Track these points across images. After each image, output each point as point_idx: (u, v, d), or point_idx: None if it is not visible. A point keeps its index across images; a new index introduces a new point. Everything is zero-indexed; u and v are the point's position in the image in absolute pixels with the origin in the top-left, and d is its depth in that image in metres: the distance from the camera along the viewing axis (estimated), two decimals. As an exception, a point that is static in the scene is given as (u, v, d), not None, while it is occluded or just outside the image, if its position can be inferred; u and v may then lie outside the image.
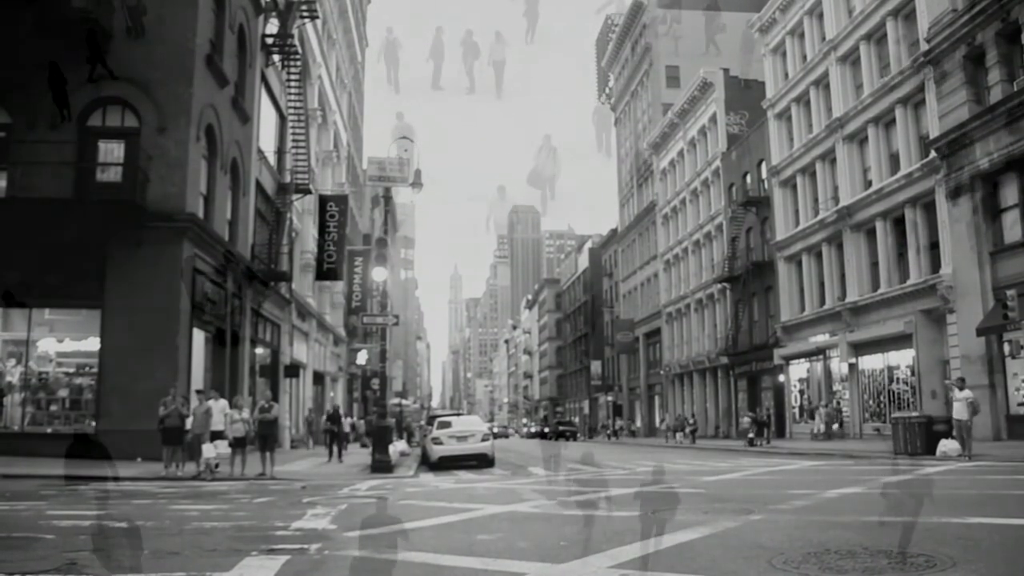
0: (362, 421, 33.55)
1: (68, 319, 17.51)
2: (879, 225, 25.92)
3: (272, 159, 25.54)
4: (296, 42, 25.54)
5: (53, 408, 16.98)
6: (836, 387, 29.11)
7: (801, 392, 32.21)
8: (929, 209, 23.37)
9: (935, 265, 23.03)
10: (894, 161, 25.32)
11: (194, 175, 17.70)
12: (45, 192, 16.05)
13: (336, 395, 39.37)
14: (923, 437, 17.46)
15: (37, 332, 17.13)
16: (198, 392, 15.67)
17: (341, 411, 23.99)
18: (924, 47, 22.82)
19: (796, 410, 32.41)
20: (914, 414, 19.79)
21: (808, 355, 31.08)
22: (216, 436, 14.22)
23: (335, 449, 20.63)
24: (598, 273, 69.28)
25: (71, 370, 17.16)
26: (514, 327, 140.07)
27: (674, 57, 50.05)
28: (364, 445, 27.52)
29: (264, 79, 24.23)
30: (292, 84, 25.48)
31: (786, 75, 32.66)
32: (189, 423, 14.33)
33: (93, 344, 16.83)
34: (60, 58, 15.78)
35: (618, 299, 61.23)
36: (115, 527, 7.53)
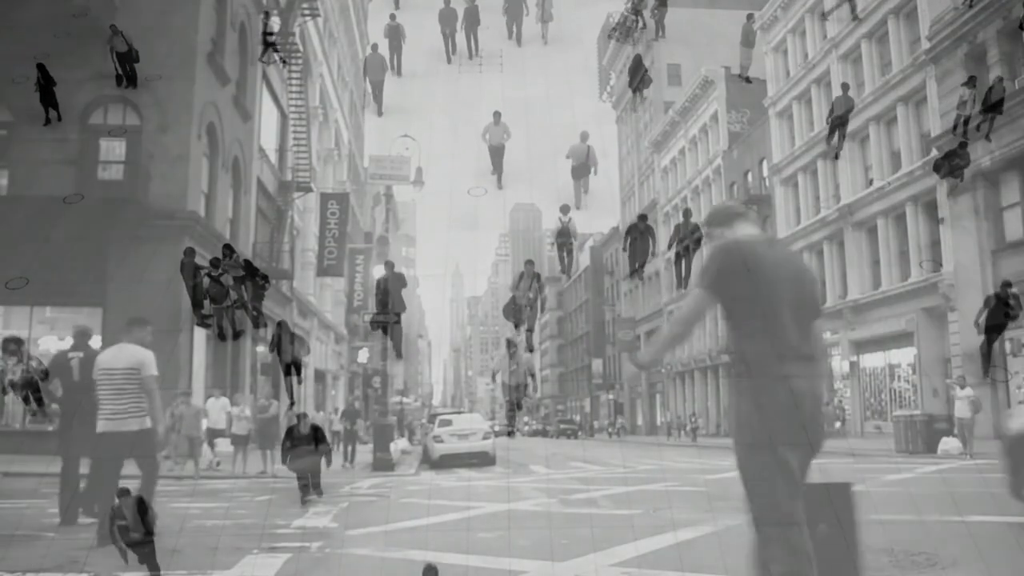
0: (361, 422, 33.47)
1: (70, 317, 17.51)
2: (880, 223, 25.91)
3: (273, 157, 25.54)
4: (297, 40, 25.53)
5: (54, 407, 16.97)
6: (837, 385, 29.09)
7: (802, 390, 32.15)
8: (930, 207, 23.37)
9: (936, 263, 23.04)
10: (895, 159, 25.32)
11: (195, 173, 17.73)
12: (47, 190, 16.08)
13: (338, 393, 39.39)
14: (924, 435, 17.46)
15: (38, 330, 17.15)
16: (183, 395, 15.51)
17: (357, 407, 23.23)
18: (925, 45, 22.81)
19: (797, 408, 32.34)
20: (915, 412, 19.79)
21: (809, 353, 31.03)
22: (216, 435, 14.22)
23: (350, 450, 18.95)
24: (599, 271, 69.25)
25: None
26: (515, 325, 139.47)
27: (675, 55, 50.00)
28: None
29: (265, 77, 24.24)
30: (293, 82, 25.48)
31: (787, 73, 32.64)
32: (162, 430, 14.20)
33: (95, 342, 16.79)
34: (63, 56, 15.79)
35: (619, 297, 61.23)
36: (116, 524, 7.52)
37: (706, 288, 4.07)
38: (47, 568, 5.07)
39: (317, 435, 10.24)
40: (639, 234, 15.72)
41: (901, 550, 5.15)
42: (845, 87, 22.85)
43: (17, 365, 9.95)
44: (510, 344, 10.20)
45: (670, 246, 17.97)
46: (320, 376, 34.53)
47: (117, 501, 5.99)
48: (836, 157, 25.82)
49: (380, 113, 21.70)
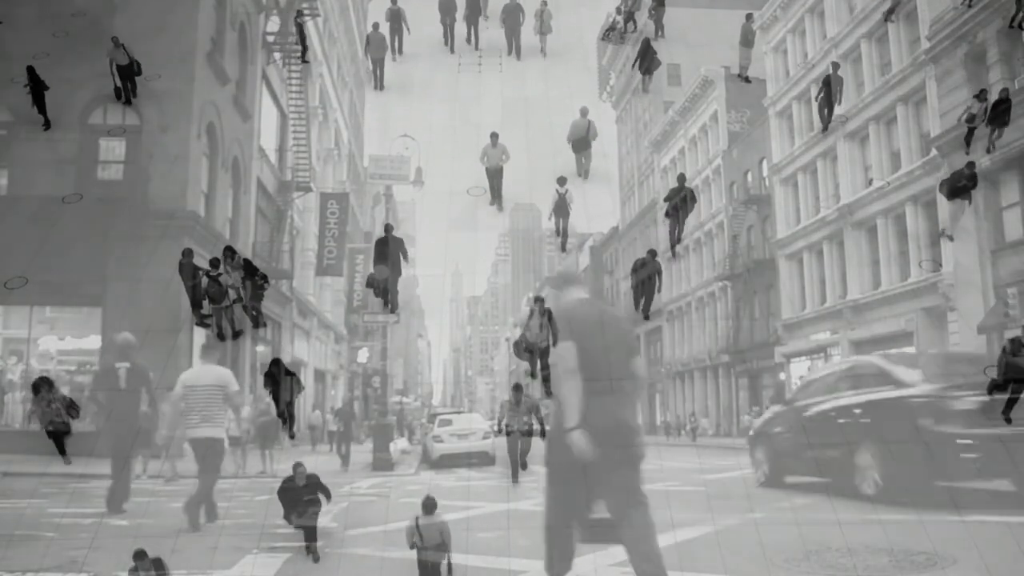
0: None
1: (69, 317, 17.53)
2: (880, 223, 25.94)
3: (273, 157, 25.55)
4: (297, 40, 25.55)
5: (54, 406, 16.96)
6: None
7: (802, 390, 32.17)
8: (930, 207, 23.37)
9: (936, 263, 23.04)
10: (895, 159, 25.34)
11: (195, 173, 17.75)
12: (46, 190, 16.09)
13: (337, 393, 39.36)
14: (924, 435, 17.47)
15: (38, 330, 17.15)
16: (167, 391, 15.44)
17: (355, 406, 23.12)
18: (925, 45, 22.82)
19: (797, 408, 32.38)
20: (915, 412, 19.79)
21: (809, 353, 31.06)
22: None
23: (345, 451, 18.49)
24: (599, 271, 69.17)
25: (72, 368, 17.17)
26: (514, 325, 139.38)
27: (675, 55, 49.97)
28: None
29: (265, 77, 24.25)
30: (293, 82, 25.49)
31: (787, 73, 32.65)
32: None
33: (94, 342, 16.84)
34: (63, 55, 15.79)
35: (619, 297, 61.17)
36: (116, 524, 7.52)
37: (570, 338, 5.62)
38: (47, 568, 5.06)
39: (316, 485, 8.82)
40: (647, 275, 15.73)
41: (901, 550, 5.14)
42: (835, 66, 23.28)
43: (48, 407, 9.93)
44: (517, 389, 9.73)
45: (667, 213, 18.85)
46: (320, 376, 34.51)
47: (134, 563, 6.12)
48: (825, 129, 26.25)
49: (380, 88, 22.17)
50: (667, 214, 19.25)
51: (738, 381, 39.11)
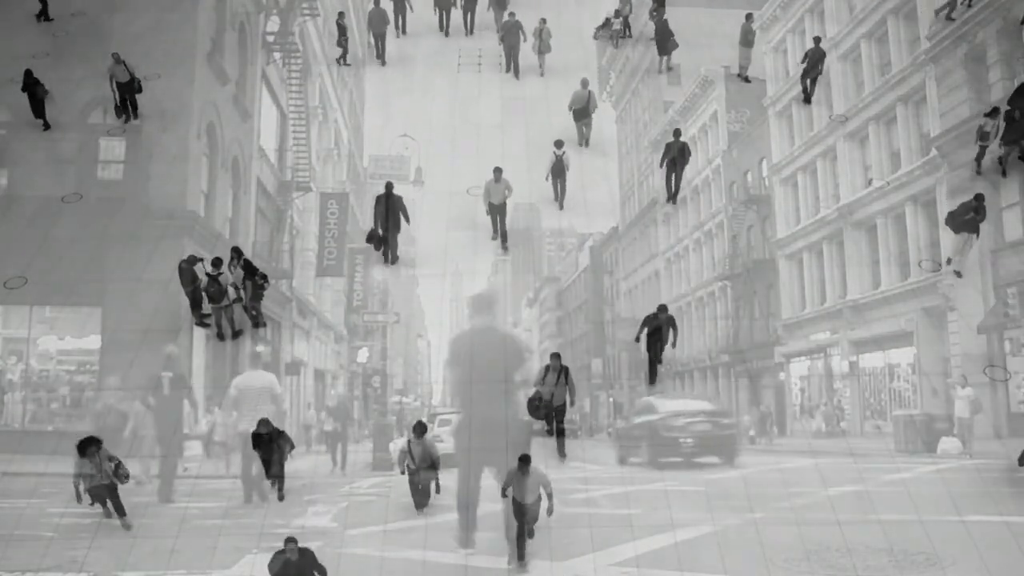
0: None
1: (69, 317, 17.53)
2: (880, 223, 25.94)
3: (273, 157, 25.58)
4: (297, 40, 25.61)
5: (54, 406, 17.00)
6: (837, 385, 29.08)
7: (802, 390, 32.15)
8: (930, 207, 23.38)
9: (936, 263, 23.02)
10: (895, 159, 25.35)
11: (195, 173, 17.78)
12: (46, 190, 16.11)
13: (337, 393, 39.27)
14: (924, 435, 17.52)
15: (38, 330, 17.15)
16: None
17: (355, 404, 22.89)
18: (925, 45, 22.84)
19: (797, 408, 32.38)
20: (915, 412, 19.80)
21: (809, 353, 31.05)
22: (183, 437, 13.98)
23: (340, 451, 17.77)
24: (599, 271, 69.13)
25: (72, 368, 17.18)
26: (514, 325, 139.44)
27: (675, 55, 49.94)
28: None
29: (265, 77, 24.28)
30: (293, 82, 25.51)
31: (787, 73, 32.64)
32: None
33: (94, 342, 16.85)
34: (63, 55, 15.83)
35: (619, 297, 61.14)
36: (116, 524, 7.52)
37: (449, 365, 11.49)
38: (47, 568, 5.06)
39: (311, 562, 7.86)
40: (660, 325, 15.74)
41: (901, 550, 5.14)
42: (817, 40, 23.99)
43: (98, 470, 9.55)
44: (525, 460, 8.91)
45: (662, 163, 20.13)
46: (320, 376, 34.47)
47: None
48: (807, 102, 26.90)
49: (383, 62, 22.70)
50: (662, 165, 20.04)
51: (738, 381, 39.03)
